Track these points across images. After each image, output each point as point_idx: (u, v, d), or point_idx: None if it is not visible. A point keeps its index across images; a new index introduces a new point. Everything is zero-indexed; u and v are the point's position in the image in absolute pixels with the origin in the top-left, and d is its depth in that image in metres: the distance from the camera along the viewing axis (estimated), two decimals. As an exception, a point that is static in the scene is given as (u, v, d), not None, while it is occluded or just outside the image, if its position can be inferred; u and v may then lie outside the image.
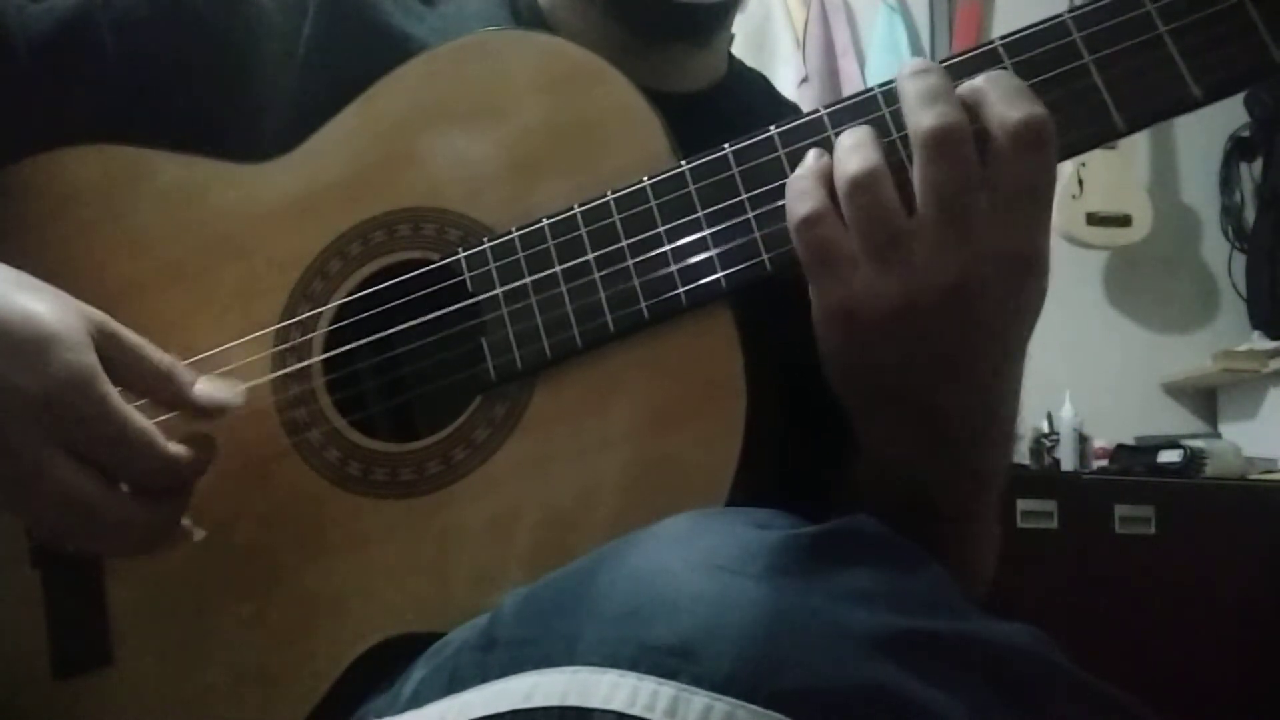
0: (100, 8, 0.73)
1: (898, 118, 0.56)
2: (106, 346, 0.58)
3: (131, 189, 0.70)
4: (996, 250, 0.53)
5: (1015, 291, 0.54)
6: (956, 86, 0.54)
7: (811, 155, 0.56)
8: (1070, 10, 0.56)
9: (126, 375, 0.59)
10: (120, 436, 0.56)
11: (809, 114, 0.59)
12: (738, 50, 0.86)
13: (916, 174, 0.53)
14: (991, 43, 0.57)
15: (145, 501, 0.58)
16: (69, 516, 0.56)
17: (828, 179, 0.55)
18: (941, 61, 0.56)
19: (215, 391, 0.62)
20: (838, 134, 0.57)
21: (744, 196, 0.59)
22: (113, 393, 0.56)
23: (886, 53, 2.61)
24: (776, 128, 0.59)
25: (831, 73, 2.62)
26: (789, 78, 2.58)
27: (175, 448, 0.58)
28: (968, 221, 0.52)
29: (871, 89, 0.58)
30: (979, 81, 0.54)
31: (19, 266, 0.59)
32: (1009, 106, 0.52)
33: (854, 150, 0.54)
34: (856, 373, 0.58)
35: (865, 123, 0.57)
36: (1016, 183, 0.52)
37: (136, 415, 0.57)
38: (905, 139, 0.55)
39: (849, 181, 0.53)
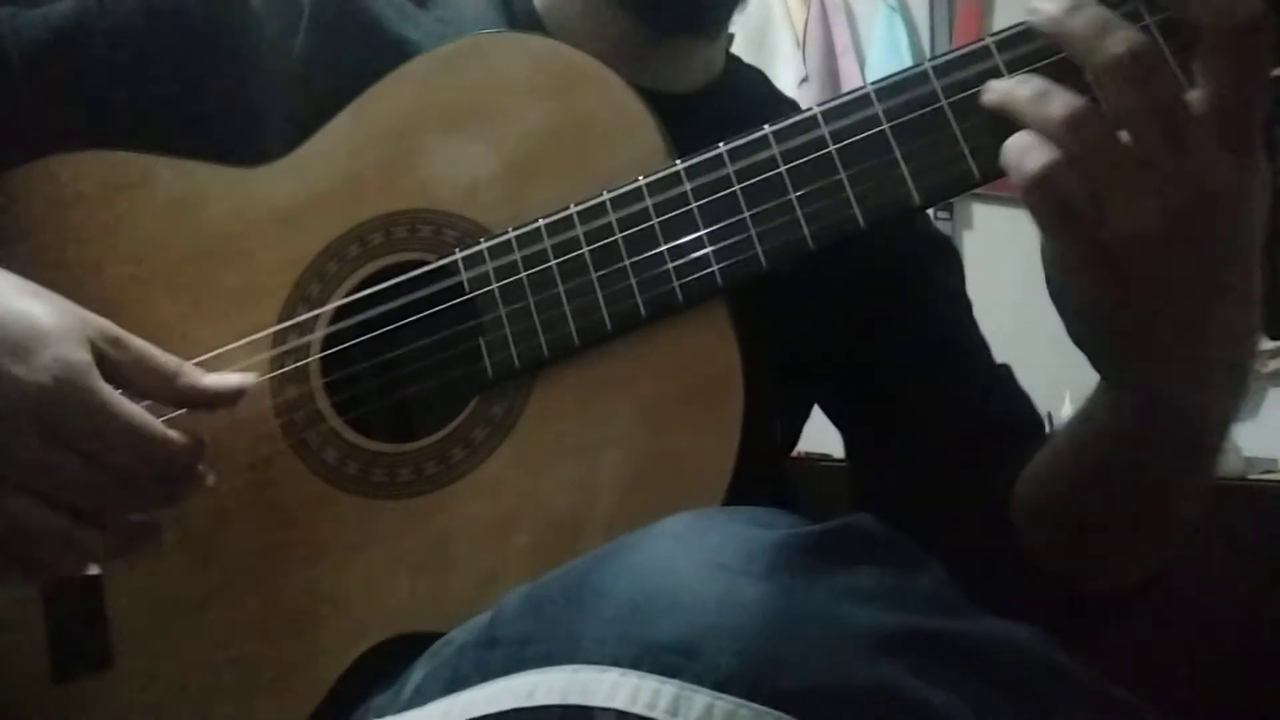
0: (94, 15, 0.73)
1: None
2: (112, 351, 0.58)
3: (128, 195, 0.70)
4: (1234, 140, 0.50)
5: (1251, 177, 0.51)
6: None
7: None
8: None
9: (135, 377, 0.59)
10: (113, 425, 0.56)
11: (804, 113, 0.59)
12: (738, 50, 0.86)
13: (1115, 106, 0.50)
14: (982, 39, 0.57)
15: (135, 497, 0.58)
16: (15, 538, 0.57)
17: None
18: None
19: (227, 378, 0.63)
20: (831, 133, 0.57)
21: (738, 192, 0.59)
22: (105, 386, 0.56)
23: (886, 53, 2.61)
24: (770, 126, 0.59)
25: (831, 73, 2.62)
26: (789, 78, 2.58)
27: (170, 431, 0.58)
28: (1186, 130, 0.49)
29: (864, 87, 0.58)
30: None
31: (16, 273, 0.60)
32: None
33: (1046, 96, 0.51)
34: (1120, 314, 0.54)
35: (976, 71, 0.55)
36: (1239, 68, 0.49)
37: (130, 404, 0.57)
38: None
39: (1061, 125, 0.50)
